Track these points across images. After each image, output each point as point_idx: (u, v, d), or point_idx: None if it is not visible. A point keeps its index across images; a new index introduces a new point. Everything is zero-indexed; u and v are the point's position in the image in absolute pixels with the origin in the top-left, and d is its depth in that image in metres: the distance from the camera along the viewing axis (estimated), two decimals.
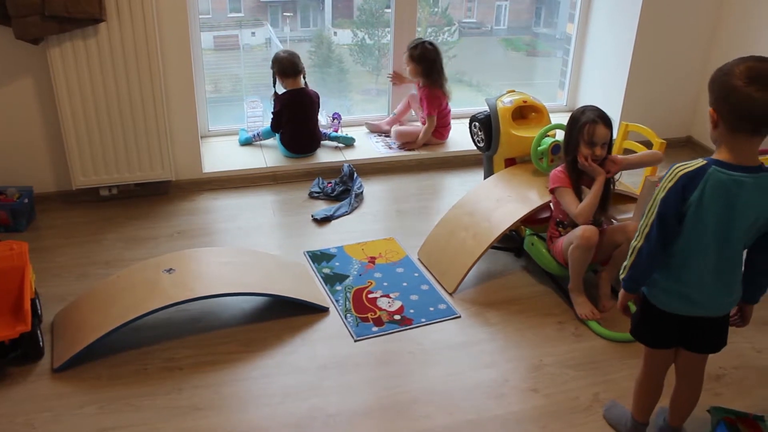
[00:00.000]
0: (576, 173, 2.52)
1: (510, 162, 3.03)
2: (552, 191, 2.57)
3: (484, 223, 2.76)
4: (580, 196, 2.51)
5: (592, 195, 2.46)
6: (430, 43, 3.74)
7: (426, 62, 3.73)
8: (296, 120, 3.63)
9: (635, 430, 1.97)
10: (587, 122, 2.44)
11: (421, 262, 2.89)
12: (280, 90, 3.65)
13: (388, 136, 3.96)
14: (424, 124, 3.84)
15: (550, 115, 3.04)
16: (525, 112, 3.04)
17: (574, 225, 2.54)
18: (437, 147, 3.89)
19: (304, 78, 3.66)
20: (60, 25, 2.80)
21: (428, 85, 3.78)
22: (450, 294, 2.68)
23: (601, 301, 2.58)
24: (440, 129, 3.88)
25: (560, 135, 2.83)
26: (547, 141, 2.81)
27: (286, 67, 3.58)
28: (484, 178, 3.12)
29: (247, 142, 3.78)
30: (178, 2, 3.06)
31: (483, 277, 2.80)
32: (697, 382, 1.90)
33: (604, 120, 2.46)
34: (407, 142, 3.85)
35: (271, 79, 3.64)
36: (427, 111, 3.80)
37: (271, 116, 3.67)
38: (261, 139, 3.79)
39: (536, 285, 2.77)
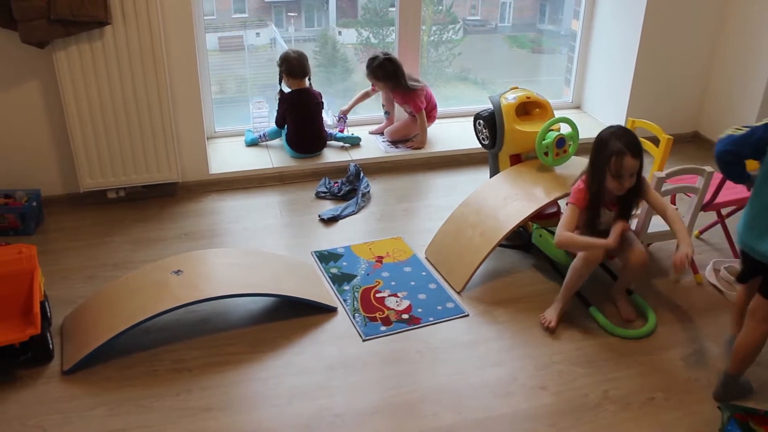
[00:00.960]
0: (597, 198, 2.37)
1: (515, 158, 3.02)
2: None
3: (491, 221, 2.75)
4: (598, 213, 2.42)
5: (585, 243, 2.34)
6: (386, 59, 3.73)
7: (390, 77, 3.75)
8: (301, 120, 3.64)
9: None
10: (613, 154, 2.23)
11: (429, 261, 2.88)
12: (285, 89, 3.66)
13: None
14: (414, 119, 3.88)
15: (557, 112, 3.03)
16: (529, 108, 3.03)
17: (584, 223, 2.51)
18: (442, 146, 3.89)
19: (309, 80, 3.67)
20: (66, 29, 2.81)
21: (400, 90, 3.81)
22: (458, 293, 2.67)
23: (624, 315, 2.54)
24: (427, 113, 3.91)
25: (564, 128, 2.83)
26: (552, 135, 2.80)
27: (294, 68, 3.59)
28: (490, 176, 3.12)
29: (253, 143, 3.79)
30: (183, 4, 3.06)
31: (491, 276, 2.80)
32: (761, 326, 2.05)
33: (632, 149, 2.23)
34: (399, 139, 3.88)
35: (278, 76, 3.65)
36: (415, 109, 3.82)
37: (276, 113, 3.70)
38: (267, 140, 3.79)
39: (544, 283, 2.76)
